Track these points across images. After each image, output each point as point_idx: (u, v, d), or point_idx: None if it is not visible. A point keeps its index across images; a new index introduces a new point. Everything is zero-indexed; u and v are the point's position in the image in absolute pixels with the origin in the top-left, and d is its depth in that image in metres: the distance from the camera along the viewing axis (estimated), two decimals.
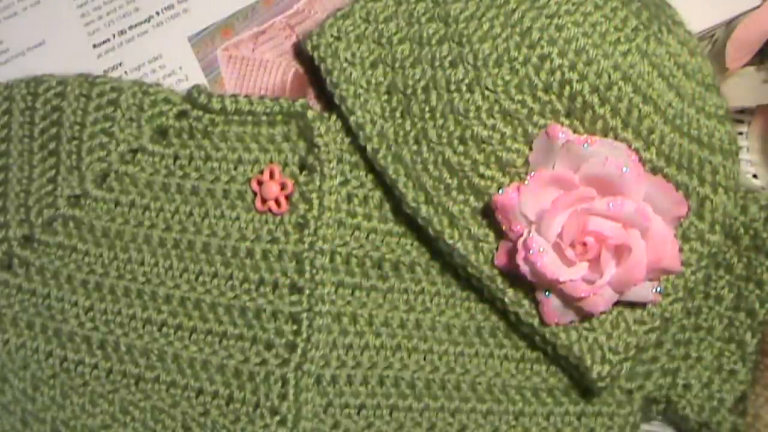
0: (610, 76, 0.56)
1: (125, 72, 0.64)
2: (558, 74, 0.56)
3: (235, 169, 0.61)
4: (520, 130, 0.58)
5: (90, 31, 0.65)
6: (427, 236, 0.60)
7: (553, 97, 0.57)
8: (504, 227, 0.58)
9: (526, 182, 0.57)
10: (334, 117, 0.62)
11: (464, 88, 0.58)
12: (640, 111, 0.57)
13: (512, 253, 0.57)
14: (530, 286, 0.58)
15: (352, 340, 0.60)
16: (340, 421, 0.60)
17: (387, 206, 0.62)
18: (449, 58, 0.58)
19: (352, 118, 0.60)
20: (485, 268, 0.59)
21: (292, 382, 0.59)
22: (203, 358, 0.60)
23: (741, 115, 0.73)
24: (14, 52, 0.65)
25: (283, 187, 0.61)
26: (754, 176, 0.72)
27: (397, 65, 0.60)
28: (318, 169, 0.61)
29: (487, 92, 0.57)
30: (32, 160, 0.61)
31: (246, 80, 0.64)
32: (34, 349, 0.60)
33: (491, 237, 0.59)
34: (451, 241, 0.59)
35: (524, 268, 0.57)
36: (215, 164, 0.61)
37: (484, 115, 0.58)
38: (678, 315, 0.62)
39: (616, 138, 0.57)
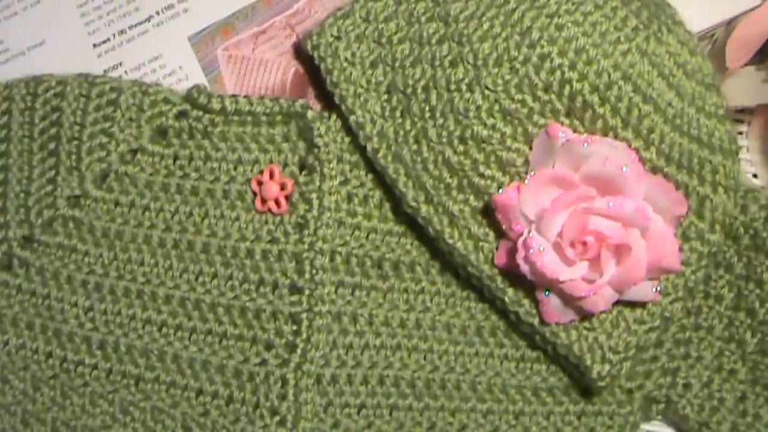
0: (610, 76, 0.56)
1: (125, 72, 0.65)
2: (558, 73, 0.56)
3: (235, 169, 0.61)
4: (520, 129, 0.58)
5: (90, 30, 0.65)
6: (427, 236, 0.60)
7: (553, 97, 0.57)
8: (504, 227, 0.58)
9: (526, 182, 0.57)
10: (334, 117, 0.62)
11: (464, 87, 0.58)
12: (640, 110, 0.57)
13: (512, 252, 0.57)
14: (530, 285, 0.58)
15: (352, 339, 0.60)
16: (340, 420, 0.60)
17: (387, 206, 0.62)
18: (449, 58, 0.58)
19: (352, 118, 0.60)
20: (485, 268, 0.59)
21: (292, 382, 0.59)
22: (203, 358, 0.60)
23: (741, 115, 0.73)
24: (14, 51, 0.65)
25: (282, 187, 0.61)
26: (754, 176, 0.72)
27: (397, 65, 0.60)
28: (318, 169, 0.61)
29: (487, 92, 0.57)
30: (32, 161, 0.61)
31: (246, 80, 0.64)
32: (34, 350, 0.60)
33: (491, 236, 0.59)
34: (451, 241, 0.59)
35: (524, 268, 0.57)
36: (215, 164, 0.61)
37: (484, 115, 0.58)
38: (678, 314, 0.62)
39: (616, 137, 0.57)
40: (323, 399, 0.60)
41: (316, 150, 0.61)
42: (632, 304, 0.60)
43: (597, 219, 0.56)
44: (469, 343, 0.62)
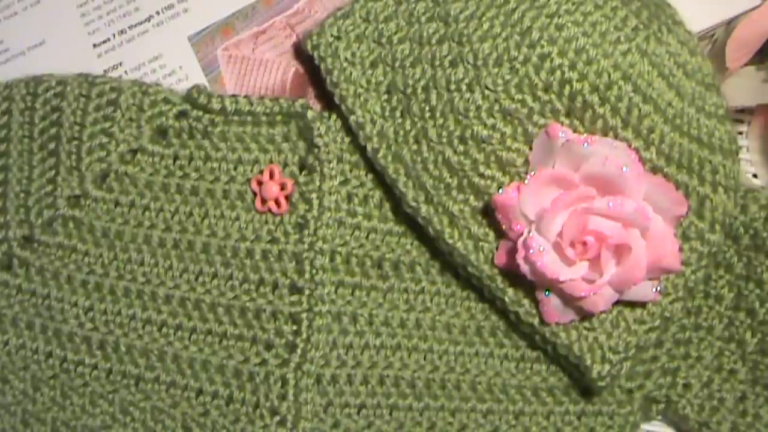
0: (610, 76, 0.56)
1: (125, 72, 0.65)
2: (558, 73, 0.56)
3: (235, 169, 0.61)
4: (520, 129, 0.58)
5: (90, 30, 0.65)
6: (427, 236, 0.60)
7: (553, 97, 0.57)
8: (504, 227, 0.58)
9: (526, 182, 0.57)
10: (334, 117, 0.62)
11: (464, 87, 0.58)
12: (640, 110, 0.57)
13: (512, 252, 0.57)
14: (530, 285, 0.58)
15: (352, 339, 0.60)
16: (340, 420, 0.60)
17: (387, 206, 0.62)
18: (449, 58, 0.58)
19: (352, 118, 0.60)
20: (485, 268, 0.59)
21: (292, 382, 0.59)
22: (203, 358, 0.60)
23: (741, 115, 0.73)
24: (14, 51, 0.65)
25: (282, 187, 0.61)
26: (754, 176, 0.72)
27: (397, 65, 0.60)
28: (318, 169, 0.61)
29: (487, 92, 0.57)
30: (32, 161, 0.61)
31: (246, 80, 0.64)
32: (34, 350, 0.60)
33: (491, 236, 0.59)
34: (451, 241, 0.59)
35: (524, 268, 0.57)
36: (215, 164, 0.61)
37: (484, 115, 0.58)
38: (678, 314, 0.62)
39: (616, 137, 0.57)
40: (323, 399, 0.60)
41: (316, 150, 0.61)
42: (632, 304, 0.60)
43: (597, 219, 0.56)
44: (469, 343, 0.62)
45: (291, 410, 0.59)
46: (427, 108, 0.59)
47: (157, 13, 0.65)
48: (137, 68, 0.65)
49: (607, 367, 0.59)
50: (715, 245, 0.61)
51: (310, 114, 0.61)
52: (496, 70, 0.57)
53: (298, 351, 0.59)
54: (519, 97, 0.57)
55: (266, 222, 0.61)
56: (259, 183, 0.61)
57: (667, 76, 0.57)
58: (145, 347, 0.60)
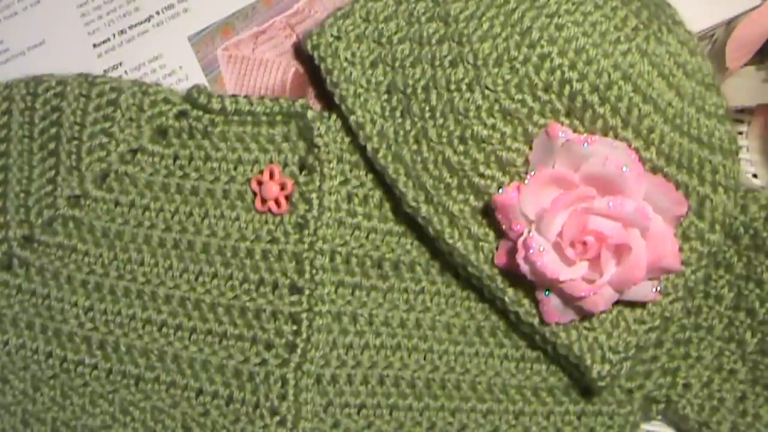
0: (610, 76, 0.56)
1: (125, 72, 0.65)
2: (558, 73, 0.56)
3: (235, 169, 0.61)
4: (520, 129, 0.58)
5: (90, 30, 0.65)
6: (427, 236, 0.60)
7: (553, 97, 0.57)
8: (504, 226, 0.58)
9: (526, 181, 0.57)
10: (334, 117, 0.62)
11: (464, 87, 0.58)
12: (640, 110, 0.57)
13: (512, 252, 0.57)
14: (530, 285, 0.58)
15: (352, 339, 0.60)
16: (340, 420, 0.60)
17: (387, 206, 0.62)
18: (449, 58, 0.58)
19: (352, 118, 0.60)
20: (485, 268, 0.59)
21: (292, 382, 0.59)
22: (203, 358, 0.60)
23: (741, 115, 0.73)
24: (14, 51, 0.65)
25: (282, 187, 0.61)
26: (754, 176, 0.72)
27: (397, 65, 0.60)
28: (318, 169, 0.61)
29: (487, 91, 0.57)
30: (32, 161, 0.61)
31: (246, 80, 0.64)
32: (34, 350, 0.60)
33: (491, 236, 0.59)
34: (451, 241, 0.59)
35: (524, 268, 0.57)
36: (215, 164, 0.61)
37: (484, 115, 0.58)
38: (678, 314, 0.62)
39: (616, 137, 0.57)
40: (323, 399, 0.60)
41: (316, 150, 0.61)
42: (632, 304, 0.60)
43: (597, 219, 0.56)
44: (469, 343, 0.62)
45: (291, 410, 0.59)
46: (427, 108, 0.59)
47: (157, 13, 0.65)
48: (137, 68, 0.65)
49: (607, 367, 0.59)
50: (715, 245, 0.61)
51: (310, 114, 0.61)
52: (496, 70, 0.57)
53: (298, 351, 0.59)
54: (519, 97, 0.57)
55: (266, 222, 0.61)
56: (259, 183, 0.61)
57: (667, 76, 0.57)
58: (145, 347, 0.60)
